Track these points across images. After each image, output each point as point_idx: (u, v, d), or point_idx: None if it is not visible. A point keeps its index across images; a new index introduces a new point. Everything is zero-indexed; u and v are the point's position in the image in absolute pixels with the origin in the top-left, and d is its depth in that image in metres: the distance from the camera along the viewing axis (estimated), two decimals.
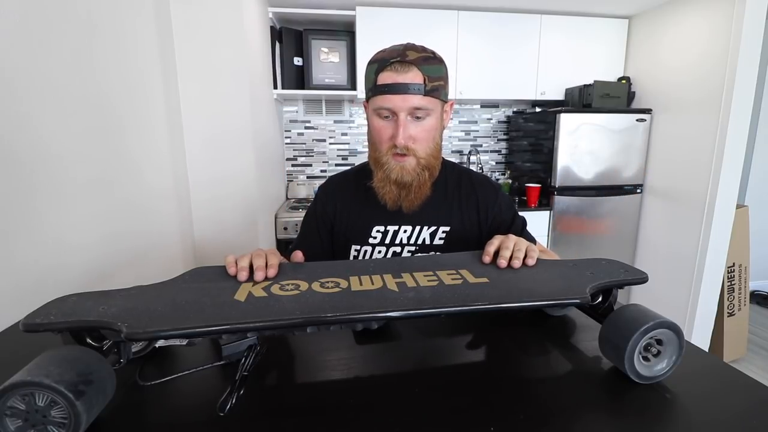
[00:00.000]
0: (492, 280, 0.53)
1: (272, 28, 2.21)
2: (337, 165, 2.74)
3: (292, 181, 2.69)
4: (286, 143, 2.68)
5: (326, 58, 2.28)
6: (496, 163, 2.92)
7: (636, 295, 2.44)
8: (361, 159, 2.36)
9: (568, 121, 2.26)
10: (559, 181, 2.32)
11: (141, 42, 1.22)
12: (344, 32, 2.29)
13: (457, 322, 0.65)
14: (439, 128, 0.79)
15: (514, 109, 2.85)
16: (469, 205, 0.87)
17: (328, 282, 0.52)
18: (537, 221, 2.34)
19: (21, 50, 0.76)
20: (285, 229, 2.14)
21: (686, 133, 2.15)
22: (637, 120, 2.33)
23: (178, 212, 1.44)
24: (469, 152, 2.84)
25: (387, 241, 0.85)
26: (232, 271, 0.54)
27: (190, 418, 0.43)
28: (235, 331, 0.42)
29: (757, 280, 3.01)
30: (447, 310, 0.45)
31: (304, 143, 2.69)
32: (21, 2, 0.76)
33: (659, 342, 0.47)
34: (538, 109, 2.66)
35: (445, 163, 0.89)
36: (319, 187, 1.02)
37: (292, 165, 2.71)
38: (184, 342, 0.49)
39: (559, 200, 2.34)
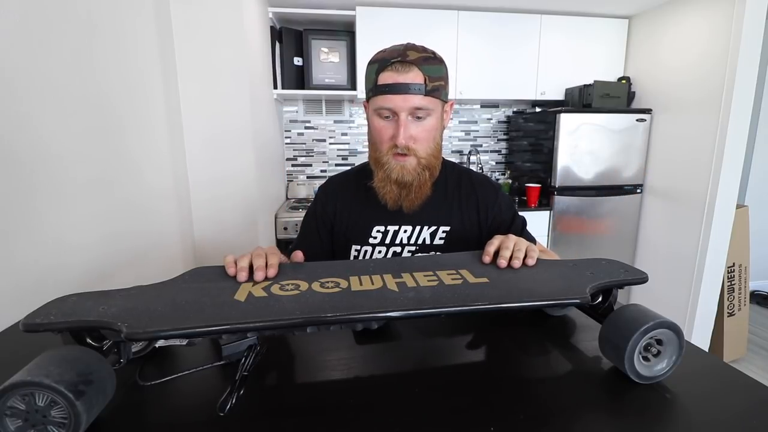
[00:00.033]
0: (492, 280, 0.53)
1: (272, 28, 2.21)
2: (337, 165, 2.74)
3: (292, 181, 2.69)
4: (286, 143, 2.68)
5: (326, 58, 2.28)
6: (496, 163, 2.92)
7: (636, 295, 2.44)
8: (361, 159, 2.36)
9: (568, 121, 2.26)
10: (559, 181, 2.32)
11: (141, 42, 1.22)
12: (344, 32, 2.29)
13: (457, 322, 0.65)
14: (439, 128, 0.79)
15: (514, 109, 2.85)
16: (469, 205, 0.87)
17: (328, 282, 0.52)
18: (537, 221, 2.34)
19: (21, 50, 0.76)
20: (285, 229, 2.14)
21: (686, 133, 2.15)
22: (637, 120, 2.33)
23: (178, 212, 1.44)
24: (469, 152, 2.84)
25: (387, 241, 0.85)
26: (231, 271, 0.54)
27: (190, 418, 0.43)
28: (235, 331, 0.42)
29: (757, 280, 3.01)
30: (447, 310, 0.45)
31: (304, 143, 2.69)
32: (21, 2, 0.76)
33: (659, 342, 0.47)
34: (538, 109, 2.66)
35: (445, 163, 0.89)
36: (319, 188, 1.02)
37: (292, 165, 2.71)
38: (184, 342, 0.49)
39: (559, 200, 2.34)
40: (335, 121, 2.69)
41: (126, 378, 0.48)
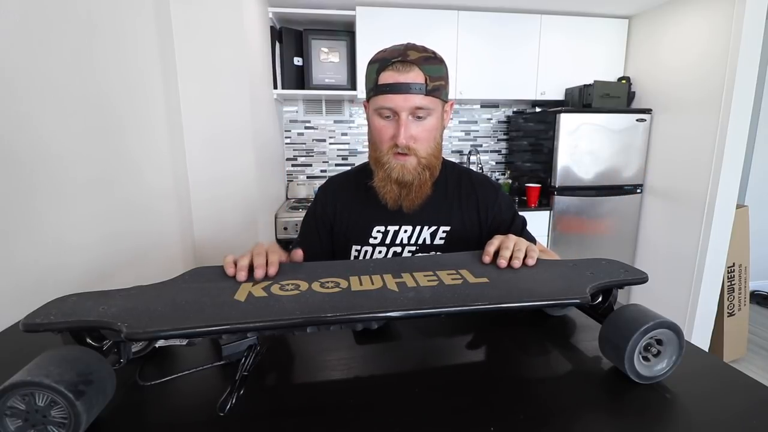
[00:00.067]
0: (492, 280, 0.53)
1: (272, 28, 2.21)
2: (337, 165, 2.74)
3: (292, 181, 2.69)
4: (286, 143, 2.68)
5: (326, 58, 2.28)
6: (496, 163, 2.92)
7: (636, 295, 2.44)
8: (361, 159, 2.37)
9: (568, 121, 2.26)
10: (559, 181, 2.32)
11: (141, 42, 1.22)
12: (344, 32, 2.29)
13: (457, 322, 0.65)
14: (439, 128, 0.79)
15: (514, 109, 2.85)
16: (469, 205, 0.87)
17: (328, 282, 0.52)
18: (537, 221, 2.34)
19: (21, 50, 0.76)
20: (285, 229, 2.14)
21: (686, 133, 2.15)
22: (637, 120, 2.33)
23: (178, 212, 1.44)
24: (469, 152, 2.84)
25: (387, 241, 0.85)
26: (230, 271, 0.54)
27: (190, 418, 0.43)
28: (235, 331, 0.42)
29: (757, 280, 3.01)
30: (447, 310, 0.45)
31: (304, 143, 2.69)
32: (21, 2, 0.76)
33: (659, 342, 0.47)
34: (538, 109, 2.66)
35: (445, 163, 0.89)
36: (319, 188, 1.02)
37: (292, 165, 2.71)
38: (184, 342, 0.49)
39: (559, 200, 2.34)
40: (335, 121, 2.68)
41: (126, 378, 0.48)
